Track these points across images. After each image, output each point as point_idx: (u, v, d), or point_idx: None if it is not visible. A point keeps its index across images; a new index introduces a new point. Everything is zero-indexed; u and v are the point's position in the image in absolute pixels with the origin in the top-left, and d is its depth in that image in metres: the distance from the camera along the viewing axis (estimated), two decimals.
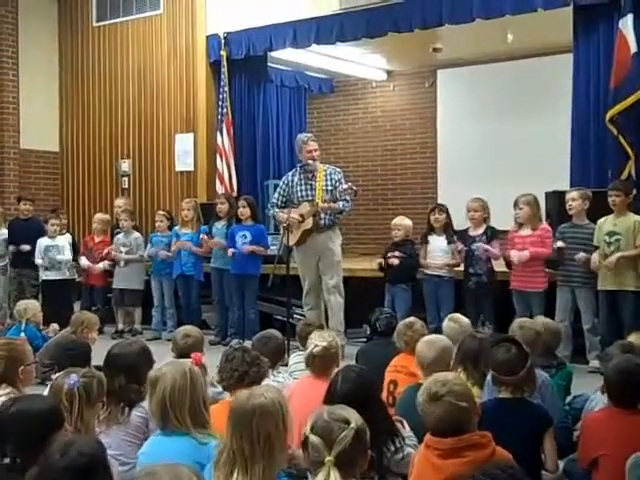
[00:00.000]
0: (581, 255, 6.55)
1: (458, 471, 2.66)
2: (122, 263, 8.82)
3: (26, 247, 8.83)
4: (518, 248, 6.82)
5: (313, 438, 2.41)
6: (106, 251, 8.90)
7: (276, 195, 7.58)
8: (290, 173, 7.58)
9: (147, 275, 9.00)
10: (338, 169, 7.54)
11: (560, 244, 6.66)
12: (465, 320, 5.00)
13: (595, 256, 6.48)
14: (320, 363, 4.02)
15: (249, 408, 2.55)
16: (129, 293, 8.83)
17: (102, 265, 8.91)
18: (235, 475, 2.49)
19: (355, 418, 2.47)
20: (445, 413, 2.79)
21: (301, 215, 7.21)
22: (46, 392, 3.41)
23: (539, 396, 3.83)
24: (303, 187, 7.36)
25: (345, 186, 7.13)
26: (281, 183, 7.60)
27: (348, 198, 7.18)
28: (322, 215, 7.23)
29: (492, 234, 7.08)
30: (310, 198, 7.28)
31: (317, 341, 4.06)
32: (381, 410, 3.09)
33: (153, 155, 10.55)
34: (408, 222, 7.57)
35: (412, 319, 4.82)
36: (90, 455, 2.26)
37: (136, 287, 8.85)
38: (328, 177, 7.31)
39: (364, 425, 2.48)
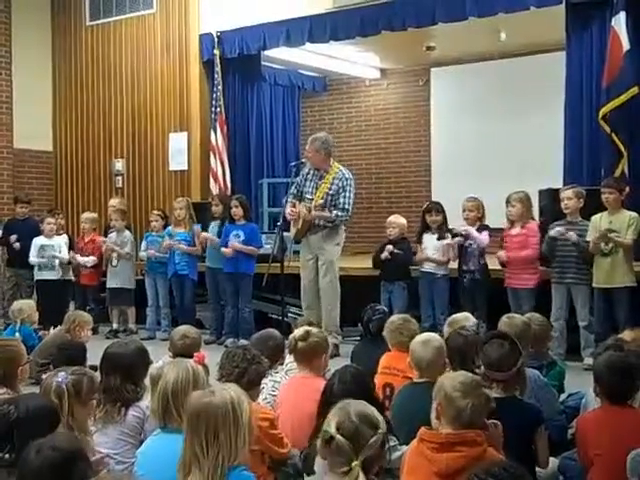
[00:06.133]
0: (574, 237, 6.50)
1: (451, 464, 2.71)
2: (114, 262, 8.79)
3: (13, 238, 8.84)
4: (506, 247, 6.85)
5: (341, 440, 2.35)
6: (103, 245, 8.84)
7: (293, 187, 7.50)
8: (308, 165, 7.43)
9: (141, 275, 8.99)
10: (348, 175, 7.23)
11: (558, 230, 6.53)
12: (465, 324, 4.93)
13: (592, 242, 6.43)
14: (302, 349, 4.01)
15: (196, 407, 2.53)
16: (122, 292, 8.81)
17: (89, 259, 8.80)
18: (190, 476, 2.46)
19: (381, 420, 2.45)
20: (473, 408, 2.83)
21: (298, 214, 7.23)
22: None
23: (532, 394, 3.82)
24: (310, 183, 7.29)
25: (341, 200, 7.07)
26: (300, 174, 7.49)
27: (347, 207, 7.13)
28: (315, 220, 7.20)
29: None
30: (310, 197, 7.23)
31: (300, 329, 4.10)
32: (377, 410, 3.09)
33: (147, 154, 10.54)
34: (403, 220, 7.58)
35: (406, 316, 4.80)
36: (64, 450, 2.27)
37: (128, 286, 8.84)
38: (335, 181, 7.16)
39: (385, 427, 2.46)
